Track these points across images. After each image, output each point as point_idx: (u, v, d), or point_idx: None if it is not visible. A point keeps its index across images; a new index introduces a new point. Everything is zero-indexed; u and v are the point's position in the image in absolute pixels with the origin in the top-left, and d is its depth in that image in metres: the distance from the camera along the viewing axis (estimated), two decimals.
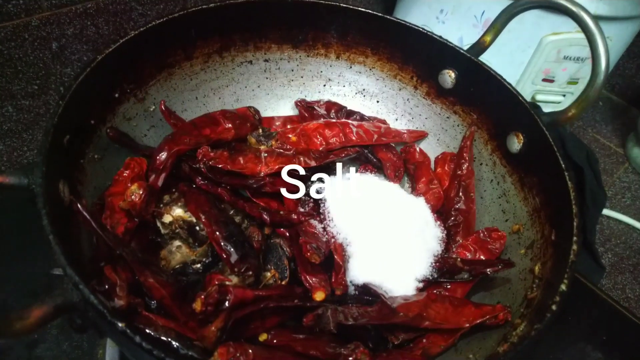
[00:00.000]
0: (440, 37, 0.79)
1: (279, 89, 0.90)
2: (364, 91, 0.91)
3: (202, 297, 0.56)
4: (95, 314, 0.45)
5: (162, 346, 0.47)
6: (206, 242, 0.66)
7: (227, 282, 0.60)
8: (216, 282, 0.59)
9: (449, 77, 0.81)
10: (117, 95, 0.71)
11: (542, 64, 1.06)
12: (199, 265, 0.66)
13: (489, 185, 0.79)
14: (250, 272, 0.62)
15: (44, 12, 0.84)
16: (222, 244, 0.63)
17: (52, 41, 0.88)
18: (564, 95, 1.13)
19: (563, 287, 0.54)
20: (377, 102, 0.91)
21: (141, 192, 0.64)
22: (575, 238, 0.58)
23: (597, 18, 0.69)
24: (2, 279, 0.76)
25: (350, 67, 0.89)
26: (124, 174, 0.70)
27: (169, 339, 0.49)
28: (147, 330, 0.49)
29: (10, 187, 0.53)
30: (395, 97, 0.89)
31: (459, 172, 0.80)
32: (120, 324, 0.44)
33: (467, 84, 0.80)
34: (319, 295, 0.63)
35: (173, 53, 0.78)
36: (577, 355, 0.81)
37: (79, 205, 0.56)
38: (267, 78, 0.89)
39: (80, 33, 0.91)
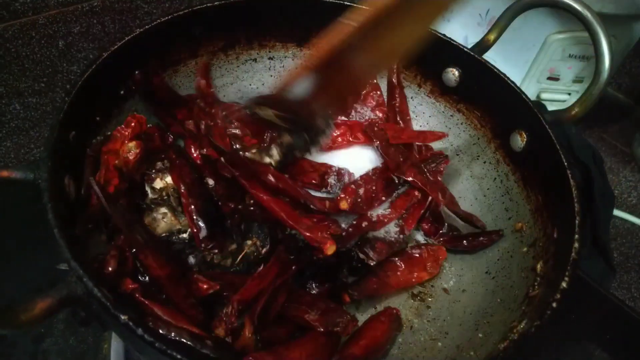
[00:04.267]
0: (444, 35, 0.79)
1: None
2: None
3: (223, 324, 0.55)
4: (98, 306, 0.46)
5: (165, 339, 0.47)
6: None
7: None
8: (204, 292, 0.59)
9: (452, 75, 0.81)
10: (122, 92, 0.72)
11: (547, 63, 1.05)
12: (185, 235, 0.66)
13: (492, 184, 0.79)
14: (216, 250, 0.62)
15: (51, 11, 0.85)
16: (194, 217, 0.63)
17: (58, 39, 0.90)
18: (569, 94, 1.13)
19: (564, 284, 0.53)
20: None
21: (138, 151, 0.65)
22: (577, 236, 0.58)
23: (601, 16, 0.69)
24: (8, 273, 0.77)
25: None
26: (123, 131, 0.69)
27: (173, 333, 0.49)
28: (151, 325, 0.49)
29: (16, 182, 0.54)
30: None
31: (393, 101, 0.85)
32: (122, 317, 0.44)
33: (471, 83, 0.80)
34: (331, 249, 0.63)
35: (178, 51, 0.78)
36: (582, 355, 0.81)
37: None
38: (271, 76, 0.89)
39: (87, 31, 0.92)
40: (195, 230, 0.63)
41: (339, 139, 0.81)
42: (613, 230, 1.17)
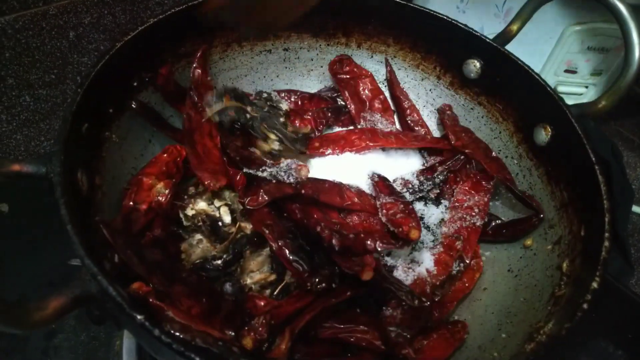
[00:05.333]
0: (466, 25, 0.77)
1: (298, 79, 0.88)
2: (385, 81, 0.88)
3: (252, 334, 0.53)
4: (113, 305, 0.44)
5: (181, 340, 0.46)
6: (228, 238, 0.65)
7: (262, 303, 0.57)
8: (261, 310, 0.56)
9: (473, 67, 0.79)
10: (135, 83, 0.70)
11: (564, 55, 1.03)
12: (219, 262, 0.64)
13: (515, 179, 0.77)
14: (324, 285, 0.58)
15: (62, 1, 0.84)
16: (290, 259, 0.59)
17: (69, 30, 0.88)
18: (587, 87, 1.10)
19: (594, 284, 0.51)
20: None
21: (167, 192, 0.63)
22: (607, 234, 0.55)
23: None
24: (20, 269, 0.76)
25: (372, 57, 0.87)
26: (163, 157, 0.69)
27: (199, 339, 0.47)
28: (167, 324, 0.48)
29: (28, 175, 0.52)
30: (418, 88, 0.87)
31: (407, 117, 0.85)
32: (139, 317, 0.43)
33: (492, 74, 0.78)
34: (367, 275, 0.59)
35: (192, 42, 0.76)
36: (600, 354, 0.79)
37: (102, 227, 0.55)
38: (286, 67, 0.87)
39: (97, 22, 0.90)
40: (296, 273, 0.59)
41: (357, 142, 0.78)
42: (630, 226, 1.14)
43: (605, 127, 1.41)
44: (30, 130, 0.94)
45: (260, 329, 0.53)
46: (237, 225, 0.66)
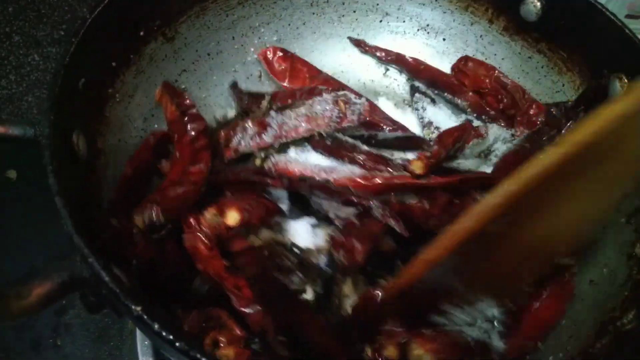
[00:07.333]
0: None
1: (328, 26, 0.78)
2: (427, 27, 0.77)
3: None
4: (108, 292, 0.37)
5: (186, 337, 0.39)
6: (308, 265, 0.55)
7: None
8: None
9: (533, 7, 0.68)
10: (142, 33, 0.62)
11: None
12: (308, 297, 0.53)
13: None
14: None
15: None
16: None
17: None
18: None
19: None
20: (444, 40, 0.77)
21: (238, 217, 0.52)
22: None
23: None
24: (29, 239, 0.71)
25: None
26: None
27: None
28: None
29: (13, 139, 0.46)
30: (466, 34, 0.75)
31: None
32: (136, 307, 0.36)
33: (556, 16, 0.67)
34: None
35: None
36: None
37: None
38: (313, 13, 0.76)
39: None
40: None
41: None
42: None
43: None
44: (42, 91, 0.89)
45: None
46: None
